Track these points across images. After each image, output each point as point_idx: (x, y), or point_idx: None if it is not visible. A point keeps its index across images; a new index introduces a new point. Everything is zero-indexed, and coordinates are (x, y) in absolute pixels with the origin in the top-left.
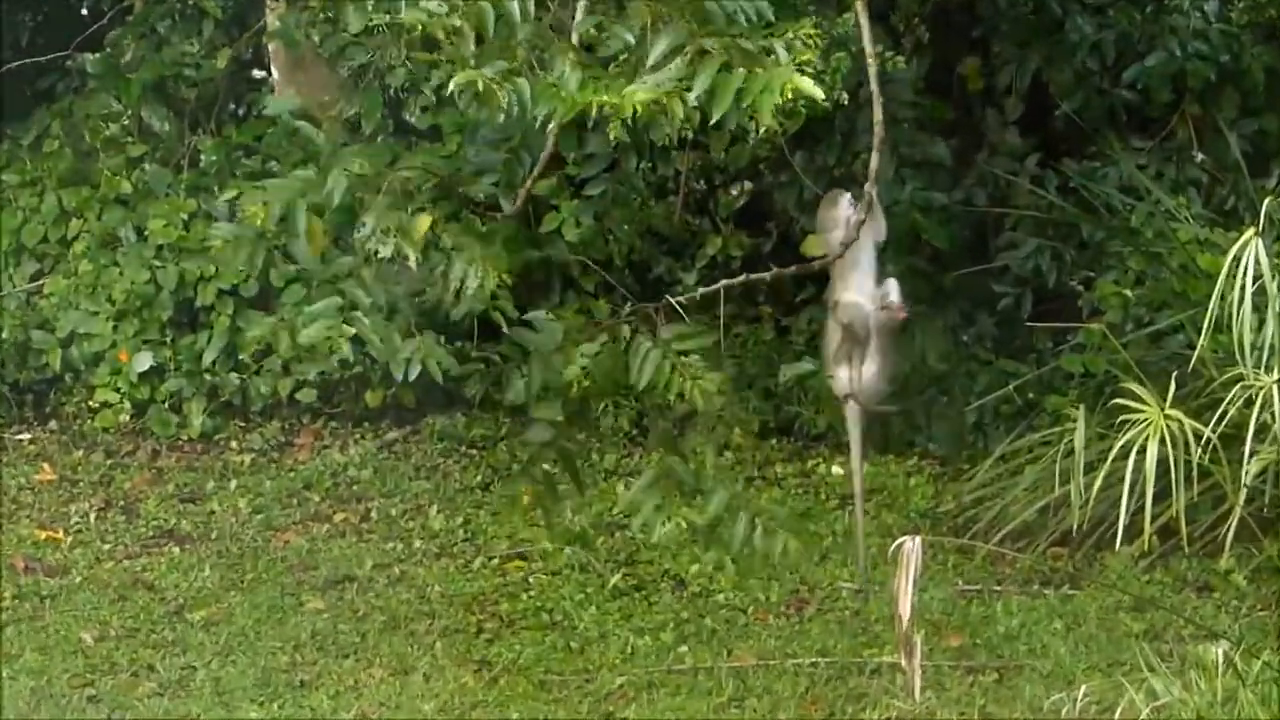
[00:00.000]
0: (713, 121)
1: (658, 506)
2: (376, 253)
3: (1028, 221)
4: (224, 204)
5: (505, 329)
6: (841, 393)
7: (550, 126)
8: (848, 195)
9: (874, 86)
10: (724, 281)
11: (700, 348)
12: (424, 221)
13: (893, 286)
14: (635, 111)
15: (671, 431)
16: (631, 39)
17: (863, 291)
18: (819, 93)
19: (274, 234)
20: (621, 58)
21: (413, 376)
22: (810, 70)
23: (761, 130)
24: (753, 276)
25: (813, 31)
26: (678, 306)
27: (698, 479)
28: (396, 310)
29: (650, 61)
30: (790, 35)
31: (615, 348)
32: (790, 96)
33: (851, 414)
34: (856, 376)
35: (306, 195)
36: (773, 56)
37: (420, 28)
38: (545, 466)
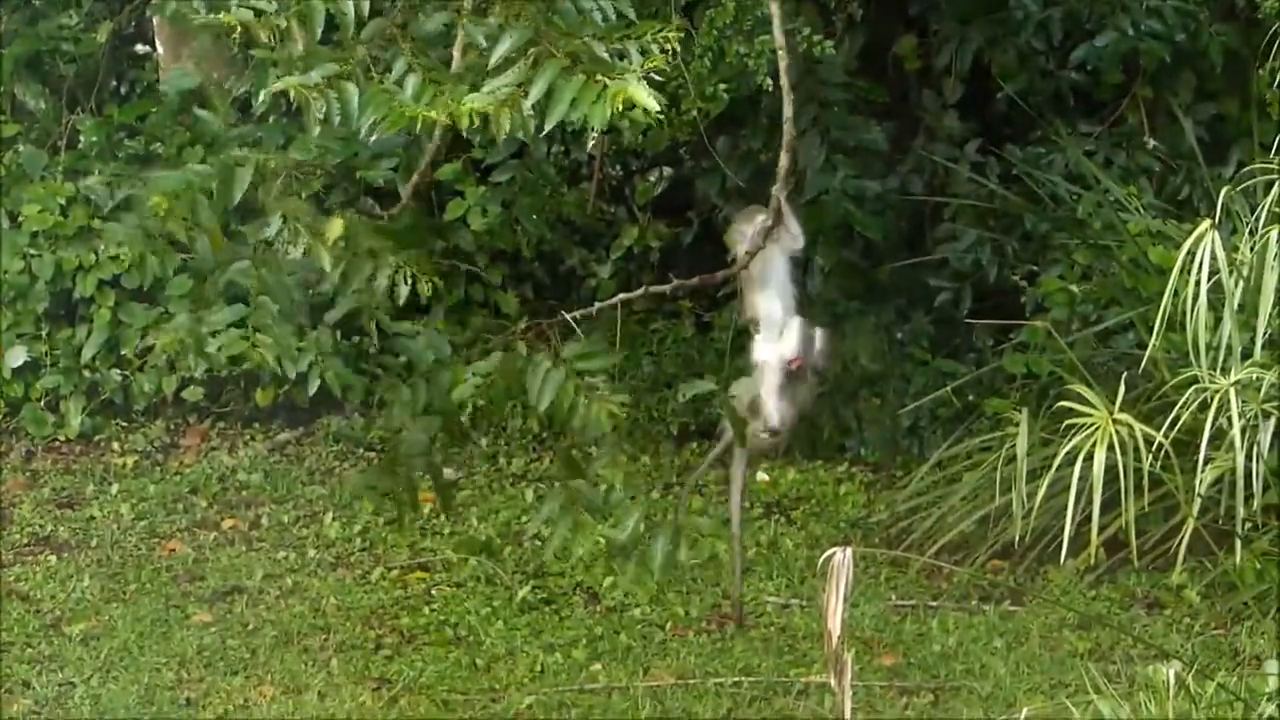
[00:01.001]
0: (545, 130)
1: (570, 530)
2: (286, 253)
3: (967, 212)
4: (103, 187)
5: (385, 338)
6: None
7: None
8: (764, 214)
9: (784, 81)
10: (645, 289)
11: (602, 367)
12: (337, 224)
13: (794, 330)
14: (472, 121)
15: (574, 454)
16: (483, 39)
17: (770, 315)
18: (653, 103)
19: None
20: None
21: (311, 391)
22: (666, 74)
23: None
24: (678, 284)
25: (673, 35)
26: (573, 322)
27: (607, 501)
28: (293, 311)
29: (492, 63)
30: (649, 37)
31: (511, 364)
32: (621, 108)
33: (739, 458)
34: (757, 419)
35: (210, 189)
36: (625, 60)
37: (245, 28)
38: (409, 472)
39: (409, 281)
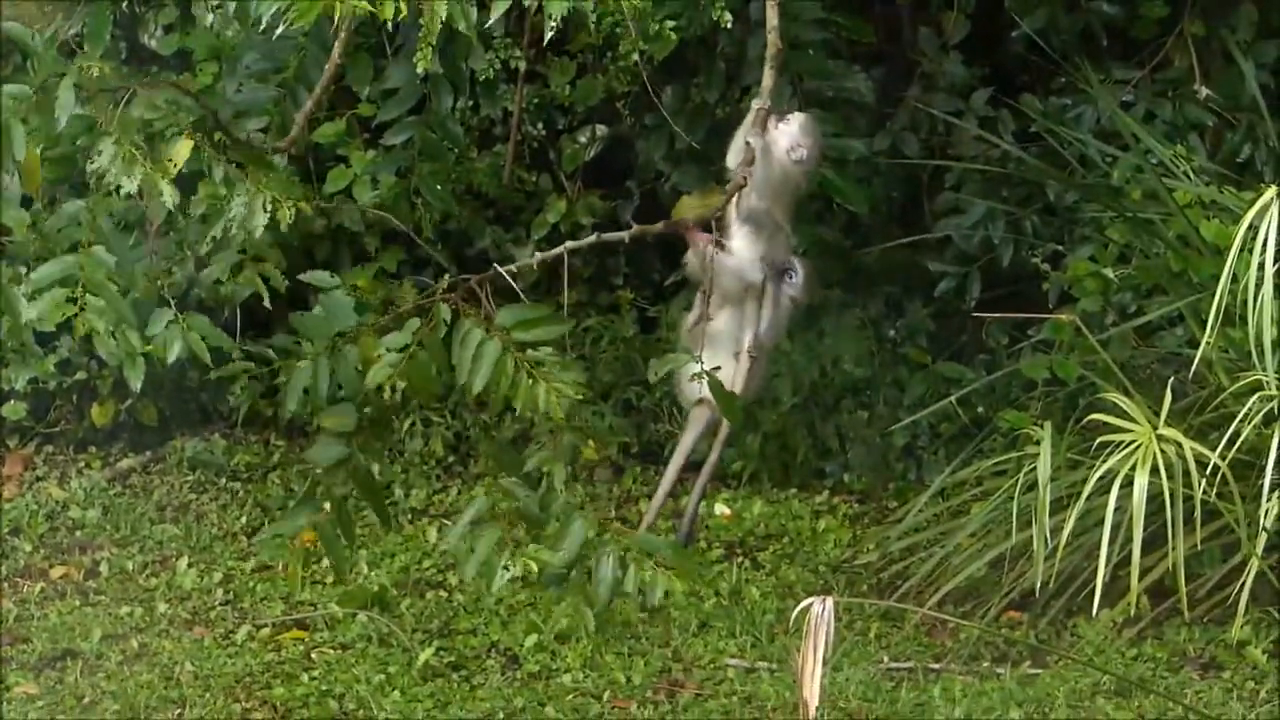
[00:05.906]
0: (492, 19)
1: (496, 545)
2: (118, 188)
3: (975, 178)
4: None
5: (276, 306)
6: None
7: (333, 52)
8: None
9: None
10: (567, 245)
11: (548, 337)
12: (185, 146)
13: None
14: (397, 11)
15: (509, 445)
16: None
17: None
18: None
19: None
20: None
21: (173, 357)
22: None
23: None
24: (605, 236)
25: None
26: (512, 280)
27: (544, 506)
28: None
29: None
30: None
31: (433, 336)
32: None
33: (697, 417)
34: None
35: (25, 115)
36: None
37: None
38: (337, 493)
39: (268, 209)
